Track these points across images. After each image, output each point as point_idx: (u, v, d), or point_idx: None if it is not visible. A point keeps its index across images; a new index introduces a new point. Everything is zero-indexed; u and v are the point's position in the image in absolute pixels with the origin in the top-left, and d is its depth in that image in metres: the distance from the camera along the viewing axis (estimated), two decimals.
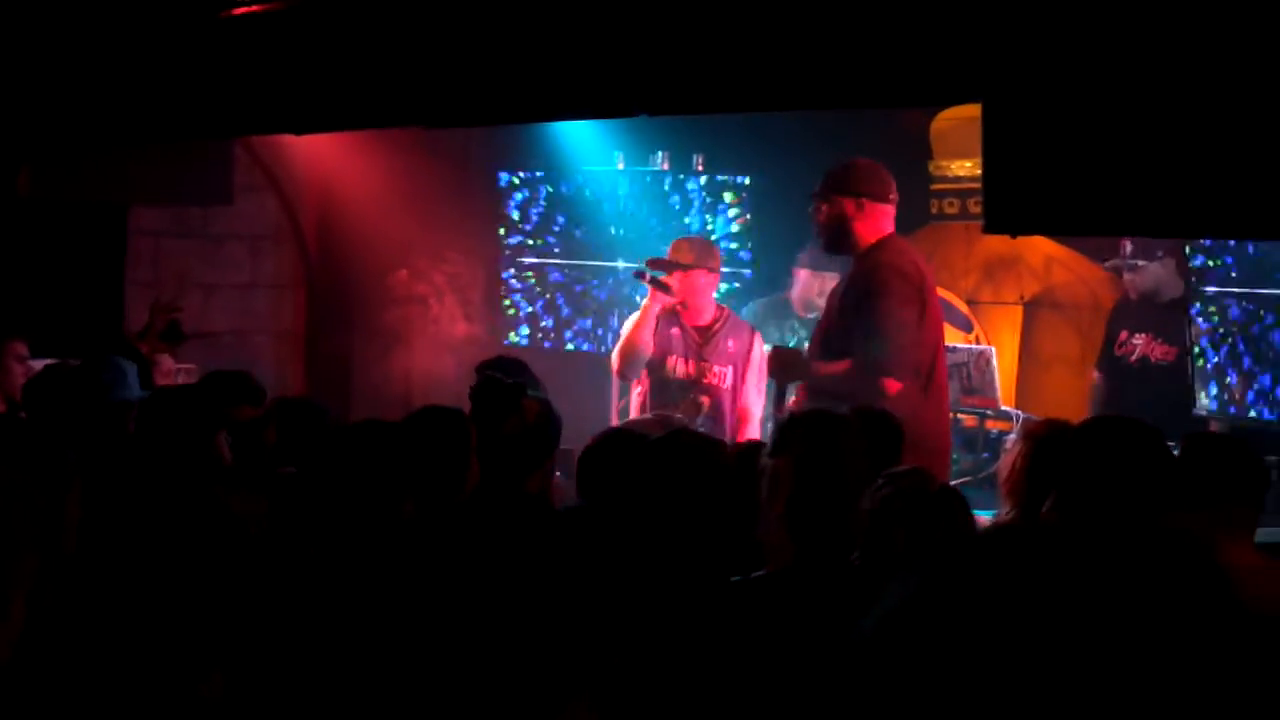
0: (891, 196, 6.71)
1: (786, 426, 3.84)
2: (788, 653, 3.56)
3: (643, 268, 7.67)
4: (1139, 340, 8.43)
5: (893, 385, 6.36)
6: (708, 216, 9.75)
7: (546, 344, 10.40)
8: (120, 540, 4.07)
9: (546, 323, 10.47)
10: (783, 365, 6.83)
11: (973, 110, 8.69)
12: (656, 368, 7.62)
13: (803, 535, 3.68)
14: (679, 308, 7.56)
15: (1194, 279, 8.15)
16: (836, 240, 6.73)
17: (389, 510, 4.19)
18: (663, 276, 7.51)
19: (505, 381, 5.03)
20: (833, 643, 3.55)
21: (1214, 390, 8.06)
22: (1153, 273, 8.34)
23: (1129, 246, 8.38)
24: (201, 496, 4.49)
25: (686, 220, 9.72)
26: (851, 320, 6.54)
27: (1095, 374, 8.77)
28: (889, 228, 6.69)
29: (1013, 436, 5.08)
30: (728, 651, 3.61)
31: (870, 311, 6.45)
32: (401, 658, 3.70)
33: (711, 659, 3.60)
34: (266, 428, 5.55)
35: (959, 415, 8.52)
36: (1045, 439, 4.75)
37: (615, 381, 8.29)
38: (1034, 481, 4.62)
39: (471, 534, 4.23)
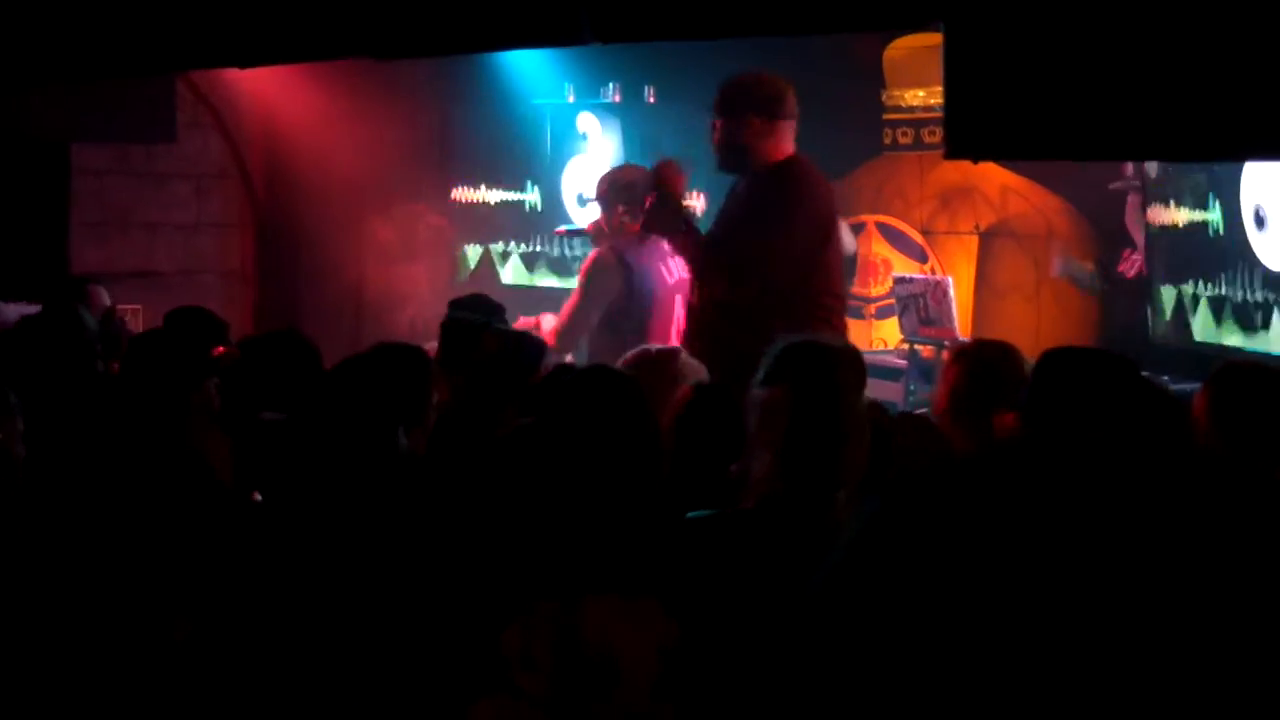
0: (791, 112, 6.51)
1: (781, 355, 3.72)
2: (766, 591, 3.48)
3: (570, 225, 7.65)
4: (1137, 258, 8.46)
5: (727, 292, 6.32)
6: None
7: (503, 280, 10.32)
8: (85, 482, 3.99)
9: (497, 258, 10.38)
10: (657, 211, 6.62)
11: (926, 39, 8.68)
12: None
13: (796, 469, 3.57)
14: None
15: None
16: (735, 159, 6.49)
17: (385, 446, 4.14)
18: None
19: (471, 319, 4.97)
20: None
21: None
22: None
23: (1130, 168, 8.35)
24: (171, 440, 4.40)
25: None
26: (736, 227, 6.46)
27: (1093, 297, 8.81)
28: (790, 146, 6.50)
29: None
30: (702, 589, 3.53)
31: (753, 217, 6.36)
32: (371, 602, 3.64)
33: (686, 595, 3.52)
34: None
35: (916, 346, 8.49)
36: (985, 360, 4.68)
37: None
38: (979, 405, 4.54)
39: (435, 470, 4.17)
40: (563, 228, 7.77)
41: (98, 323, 6.26)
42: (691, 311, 6.57)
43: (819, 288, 6.36)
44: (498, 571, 3.44)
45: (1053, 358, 4.02)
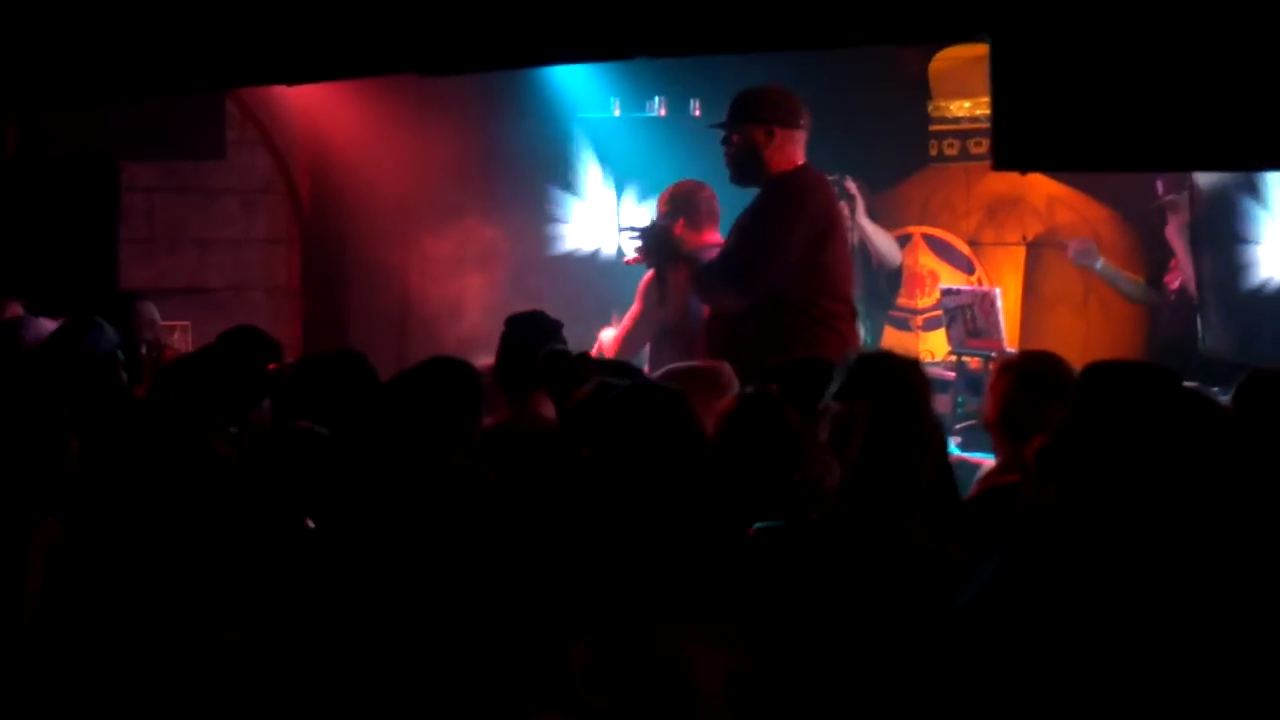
0: (803, 123, 6.56)
1: (858, 368, 3.72)
2: (841, 604, 3.46)
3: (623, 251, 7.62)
4: (1182, 269, 8.46)
5: (736, 301, 6.34)
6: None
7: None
8: (130, 499, 4.01)
9: (544, 275, 10.38)
10: (654, 240, 6.75)
11: (972, 50, 8.65)
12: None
13: (873, 482, 3.55)
14: None
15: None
16: (747, 171, 6.54)
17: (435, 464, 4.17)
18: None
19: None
20: (885, 595, 3.45)
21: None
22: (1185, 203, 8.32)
23: (1160, 185, 8.33)
24: (209, 454, 4.43)
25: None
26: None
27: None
28: (800, 157, 6.56)
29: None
30: (774, 601, 3.52)
31: (753, 225, 6.39)
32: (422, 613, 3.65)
33: (757, 608, 3.51)
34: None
35: (964, 358, 8.46)
36: (1032, 371, 4.65)
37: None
38: (1028, 418, 4.51)
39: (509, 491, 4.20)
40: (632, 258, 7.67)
41: (138, 335, 6.26)
42: (706, 326, 6.61)
43: (823, 293, 6.38)
44: (561, 589, 3.44)
45: (1095, 372, 3.99)
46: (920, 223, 9.76)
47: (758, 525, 3.66)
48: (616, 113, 9.98)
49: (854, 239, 8.60)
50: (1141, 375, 3.87)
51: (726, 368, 5.27)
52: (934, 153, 9.69)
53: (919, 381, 3.73)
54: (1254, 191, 7.73)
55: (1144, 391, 3.71)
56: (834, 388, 3.71)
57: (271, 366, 5.61)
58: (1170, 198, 8.45)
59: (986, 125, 7.40)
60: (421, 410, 4.36)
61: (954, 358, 8.62)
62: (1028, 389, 4.57)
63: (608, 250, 10.11)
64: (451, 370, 4.53)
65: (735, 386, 5.04)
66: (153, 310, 7.59)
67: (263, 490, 4.34)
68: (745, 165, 6.53)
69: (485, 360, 5.58)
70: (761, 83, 6.70)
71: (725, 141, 6.61)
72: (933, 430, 3.74)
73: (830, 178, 6.88)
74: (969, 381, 8.37)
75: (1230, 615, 2.79)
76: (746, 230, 6.46)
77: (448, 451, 4.37)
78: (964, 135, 9.49)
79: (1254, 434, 4.21)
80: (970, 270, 9.53)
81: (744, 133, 6.52)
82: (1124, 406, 3.65)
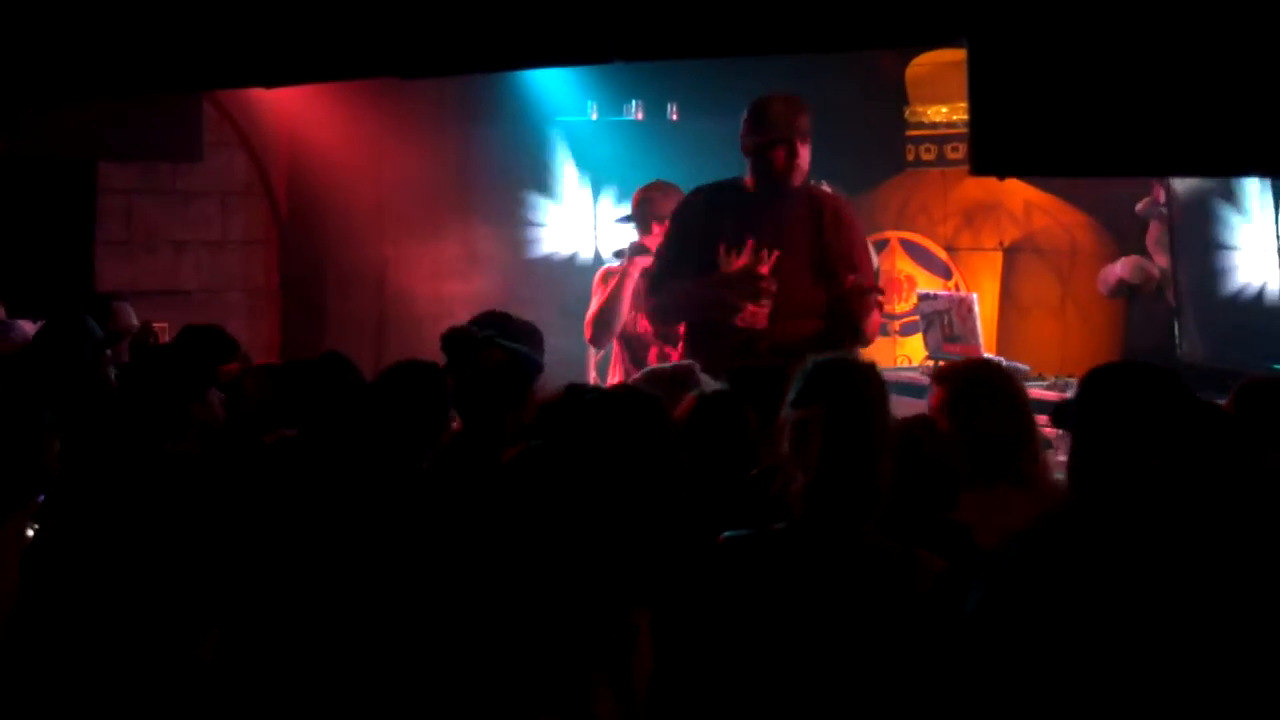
0: None
1: (813, 375, 3.71)
2: (804, 609, 3.46)
3: (624, 250, 7.55)
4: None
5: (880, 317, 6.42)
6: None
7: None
8: (106, 499, 3.99)
9: (521, 278, 10.38)
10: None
11: (949, 55, 8.68)
12: (630, 324, 7.51)
13: (829, 491, 3.55)
14: None
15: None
16: (797, 181, 6.54)
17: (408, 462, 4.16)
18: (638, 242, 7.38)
19: (473, 332, 4.97)
20: (846, 607, 3.46)
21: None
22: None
23: (1161, 192, 8.34)
24: (181, 454, 4.42)
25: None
26: (843, 250, 6.46)
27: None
28: None
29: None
30: (724, 610, 3.52)
31: (859, 245, 6.43)
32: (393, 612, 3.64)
33: (705, 617, 3.51)
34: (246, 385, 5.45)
35: (940, 363, 8.47)
36: (962, 382, 4.61)
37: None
38: (965, 430, 4.46)
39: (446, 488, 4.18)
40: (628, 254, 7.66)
41: (116, 336, 6.25)
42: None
43: None
44: (536, 595, 3.43)
45: (1099, 375, 3.99)
46: (897, 228, 9.78)
47: (727, 534, 3.67)
48: (594, 116, 9.98)
49: None
50: (1143, 376, 3.88)
51: (698, 370, 5.27)
52: (911, 158, 9.71)
53: (873, 385, 3.73)
54: (1231, 197, 7.75)
55: (1148, 391, 3.72)
56: (791, 395, 3.71)
57: (229, 367, 5.59)
58: (1150, 206, 8.48)
59: (963, 130, 7.43)
60: (387, 413, 4.36)
61: (931, 363, 8.63)
62: (960, 400, 4.52)
63: (585, 254, 10.11)
64: (417, 373, 4.53)
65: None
66: (130, 312, 7.58)
67: (232, 491, 4.33)
68: (800, 176, 6.48)
69: None
70: (761, 91, 6.69)
71: (795, 154, 6.47)
72: (894, 434, 3.73)
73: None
74: None
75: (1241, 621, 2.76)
76: (854, 248, 6.47)
77: (413, 454, 4.36)
78: (941, 140, 9.51)
79: (1257, 441, 4.22)
80: (947, 275, 9.55)
81: (805, 150, 6.45)
82: (1130, 406, 3.66)
